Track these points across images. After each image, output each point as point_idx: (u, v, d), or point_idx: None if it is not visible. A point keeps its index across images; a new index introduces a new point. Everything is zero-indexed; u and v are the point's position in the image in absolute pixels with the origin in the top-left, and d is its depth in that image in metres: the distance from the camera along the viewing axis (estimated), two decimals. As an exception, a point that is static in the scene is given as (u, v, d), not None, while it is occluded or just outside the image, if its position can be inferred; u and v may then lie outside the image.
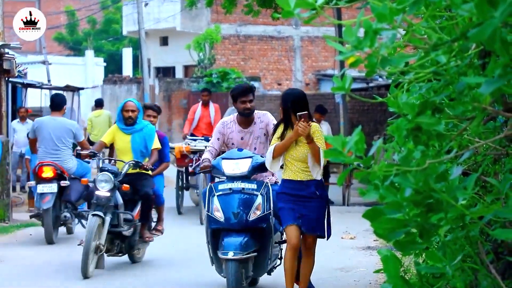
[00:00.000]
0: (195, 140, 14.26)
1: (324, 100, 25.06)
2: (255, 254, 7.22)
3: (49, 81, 24.68)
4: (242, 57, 35.27)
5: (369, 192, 3.12)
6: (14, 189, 17.19)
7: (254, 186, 7.34)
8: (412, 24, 3.15)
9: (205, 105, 15.82)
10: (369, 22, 2.89)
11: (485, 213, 3.16)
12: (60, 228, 11.69)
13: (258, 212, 7.23)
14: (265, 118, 8.00)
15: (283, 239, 7.65)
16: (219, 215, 7.24)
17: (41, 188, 11.12)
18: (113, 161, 9.51)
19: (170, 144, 16.20)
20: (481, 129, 3.87)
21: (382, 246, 10.25)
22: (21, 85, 20.21)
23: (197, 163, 13.52)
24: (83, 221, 11.29)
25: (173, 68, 37.03)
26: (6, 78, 14.77)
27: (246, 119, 7.94)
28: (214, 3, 20.74)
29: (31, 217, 11.87)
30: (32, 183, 11.84)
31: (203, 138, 14.28)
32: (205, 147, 9.27)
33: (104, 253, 8.95)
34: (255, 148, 7.86)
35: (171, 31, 35.89)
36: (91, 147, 10.99)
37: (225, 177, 7.44)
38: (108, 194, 8.87)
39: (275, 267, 7.95)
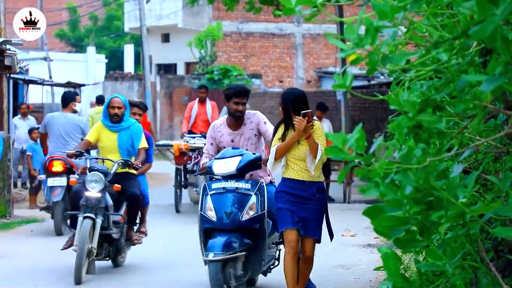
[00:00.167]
0: (193, 137, 14.13)
1: (325, 97, 25.05)
2: (242, 254, 7.04)
3: (50, 77, 24.69)
4: (244, 54, 35.27)
5: (370, 190, 3.12)
6: (15, 186, 17.21)
7: (248, 185, 7.20)
8: (413, 21, 3.15)
9: (202, 102, 15.59)
10: (370, 19, 2.89)
11: (485, 211, 3.16)
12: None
13: (252, 212, 7.10)
14: (255, 118, 7.77)
15: (281, 240, 7.61)
16: (211, 214, 7.11)
17: (51, 181, 11.56)
18: (101, 160, 9.07)
19: (169, 142, 16.20)
20: (482, 127, 3.87)
21: (382, 243, 10.25)
22: (23, 81, 20.22)
23: (195, 161, 13.45)
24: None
25: (175, 65, 37.02)
26: (8, 74, 14.78)
27: (236, 121, 7.74)
28: (216, 0, 20.72)
29: (41, 209, 12.34)
30: (42, 176, 12.06)
31: (201, 135, 14.15)
32: (204, 144, 9.00)
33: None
34: (246, 150, 7.64)
35: (172, 28, 35.88)
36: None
37: (220, 177, 7.30)
38: (99, 195, 8.48)
39: (272, 268, 7.85)
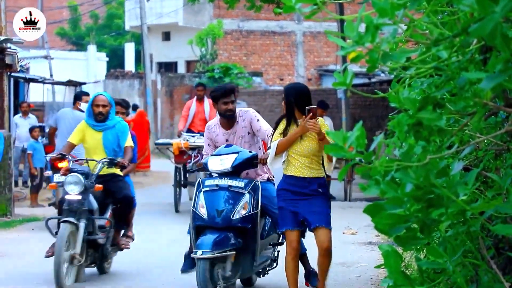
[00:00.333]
0: (193, 136, 13.90)
1: (326, 95, 25.05)
2: (232, 253, 6.89)
3: (51, 76, 24.69)
4: (244, 52, 35.26)
5: (370, 187, 3.12)
6: (16, 184, 17.22)
7: (241, 184, 7.04)
8: (414, 19, 3.15)
9: (200, 100, 15.43)
10: (370, 17, 2.89)
11: (486, 209, 3.16)
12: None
13: (244, 212, 6.94)
14: (247, 115, 7.64)
15: (279, 241, 7.50)
16: (203, 211, 6.97)
17: (58, 177, 11.53)
18: (84, 160, 8.67)
19: (169, 140, 16.03)
20: (482, 124, 3.87)
21: (383, 241, 10.25)
22: (23, 79, 20.21)
23: (195, 160, 13.17)
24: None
25: (175, 63, 37.02)
26: (8, 73, 14.79)
27: (228, 120, 7.62)
28: (216, -2, 20.71)
29: (49, 205, 12.59)
30: (49, 172, 12.10)
31: (199, 134, 13.96)
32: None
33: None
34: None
35: (173, 26, 35.88)
36: None
37: (216, 174, 7.19)
38: (80, 197, 8.00)
39: (269, 270, 7.75)
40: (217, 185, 7.03)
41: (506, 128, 3.40)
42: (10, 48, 14.15)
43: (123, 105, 10.55)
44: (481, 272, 3.81)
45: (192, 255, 6.84)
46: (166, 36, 37.28)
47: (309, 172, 6.78)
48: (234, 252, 6.89)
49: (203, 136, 12.99)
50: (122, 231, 8.89)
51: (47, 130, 20.33)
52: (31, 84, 21.37)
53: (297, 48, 36.00)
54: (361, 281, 8.16)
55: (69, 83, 22.51)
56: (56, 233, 7.93)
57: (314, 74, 36.00)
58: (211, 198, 6.99)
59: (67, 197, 8.03)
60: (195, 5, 27.57)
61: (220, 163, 7.12)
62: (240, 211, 6.93)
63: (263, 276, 7.79)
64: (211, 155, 7.26)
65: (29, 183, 17.51)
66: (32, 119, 18.62)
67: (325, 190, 6.88)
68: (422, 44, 3.31)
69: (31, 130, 17.12)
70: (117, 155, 8.57)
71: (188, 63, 36.37)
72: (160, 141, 16.38)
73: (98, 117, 8.58)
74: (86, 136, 8.61)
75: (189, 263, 7.35)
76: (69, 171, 8.22)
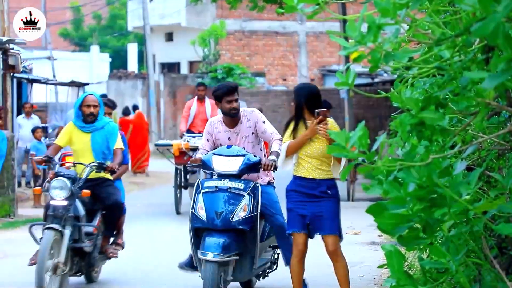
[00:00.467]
0: (194, 137, 13.67)
1: (329, 95, 25.04)
2: (236, 258, 6.80)
3: (54, 76, 24.72)
4: (247, 52, 35.27)
5: (373, 187, 3.12)
6: (19, 185, 17.23)
7: (241, 185, 6.89)
8: (416, 19, 3.15)
9: (201, 100, 15.10)
10: (372, 17, 2.89)
11: (489, 208, 3.16)
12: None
13: (243, 214, 6.80)
14: (252, 116, 7.46)
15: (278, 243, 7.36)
16: (202, 213, 6.82)
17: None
18: (71, 164, 8.11)
19: (169, 141, 15.85)
20: (485, 124, 3.87)
21: (386, 241, 10.24)
22: (27, 80, 20.24)
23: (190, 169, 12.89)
24: None
25: (178, 64, 37.03)
26: (11, 74, 14.79)
27: (232, 119, 7.43)
28: (219, -1, 20.73)
29: None
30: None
31: (201, 135, 13.75)
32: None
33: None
34: (243, 148, 7.30)
35: (176, 27, 35.90)
36: None
37: (214, 174, 7.06)
38: (65, 203, 7.51)
39: (269, 272, 7.65)
40: (216, 187, 6.88)
41: (509, 128, 3.40)
42: (13, 49, 14.17)
43: (110, 106, 10.38)
44: (484, 272, 3.81)
45: (201, 256, 6.69)
46: (169, 37, 37.30)
47: (318, 174, 6.71)
48: (238, 257, 6.81)
49: None
50: (112, 239, 8.42)
51: (50, 130, 20.38)
52: (34, 84, 21.39)
53: (300, 48, 36.01)
54: (364, 281, 8.15)
55: (72, 83, 22.53)
56: (41, 239, 7.59)
57: (317, 74, 36.00)
58: (210, 199, 6.85)
59: (52, 202, 7.57)
60: (197, 5, 27.60)
61: (227, 164, 6.97)
62: (240, 213, 6.80)
63: (263, 278, 7.70)
64: (214, 154, 7.09)
65: (32, 184, 17.53)
66: (35, 120, 18.64)
67: (335, 192, 6.76)
68: (424, 44, 3.31)
69: (34, 130, 17.13)
70: (106, 157, 8.11)
71: (191, 64, 36.39)
72: (161, 142, 16.22)
73: (89, 118, 8.10)
74: (74, 138, 8.15)
75: (189, 262, 7.29)
76: (55, 175, 7.77)
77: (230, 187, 6.86)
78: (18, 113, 18.42)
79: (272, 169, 6.98)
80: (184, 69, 36.47)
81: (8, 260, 9.77)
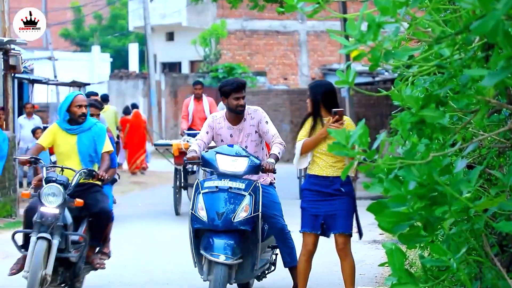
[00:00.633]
0: (194, 136, 13.61)
1: (330, 94, 25.03)
2: (241, 260, 6.68)
3: (55, 77, 24.72)
4: (248, 52, 35.27)
5: (374, 186, 3.13)
6: (21, 185, 17.24)
7: (242, 185, 6.74)
8: (416, 17, 3.15)
9: (198, 99, 14.71)
10: (372, 15, 2.90)
11: (489, 206, 3.17)
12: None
13: (245, 214, 6.66)
14: (256, 114, 7.35)
15: (277, 244, 7.30)
16: (203, 214, 6.68)
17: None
18: (60, 169, 7.45)
19: (168, 141, 15.67)
20: (485, 122, 3.88)
21: (388, 239, 10.25)
22: (28, 81, 20.25)
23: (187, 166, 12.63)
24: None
25: (179, 64, 37.04)
26: (12, 74, 14.81)
27: (236, 116, 7.31)
28: (220, -2, 20.74)
29: None
30: None
31: None
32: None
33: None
34: (246, 147, 7.21)
35: (177, 27, 35.90)
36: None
37: (214, 173, 6.96)
38: (57, 211, 6.99)
39: (267, 273, 7.56)
40: (216, 187, 6.75)
41: (509, 126, 3.40)
42: (14, 49, 14.19)
43: (98, 107, 10.20)
44: (485, 270, 3.82)
45: (212, 258, 6.54)
46: (170, 37, 37.30)
47: (332, 171, 6.68)
48: (241, 260, 6.71)
49: None
50: (97, 248, 7.82)
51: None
52: (35, 85, 21.40)
53: (300, 47, 36.01)
54: (365, 279, 8.15)
55: (73, 84, 22.53)
56: (23, 247, 7.21)
57: (318, 73, 36.00)
58: (211, 200, 6.71)
59: (42, 209, 6.99)
60: (198, 5, 27.62)
61: (232, 164, 6.85)
62: (241, 214, 6.67)
63: (261, 280, 7.62)
64: (217, 152, 6.93)
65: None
66: (37, 120, 18.65)
67: (349, 189, 6.74)
68: (424, 42, 3.32)
69: (34, 131, 17.13)
70: (93, 161, 7.61)
71: (192, 63, 36.39)
72: (160, 142, 16.06)
73: (81, 119, 7.56)
74: (58, 140, 7.61)
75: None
76: (41, 180, 7.28)
77: (231, 187, 6.73)
78: (20, 114, 18.44)
79: (271, 171, 6.90)
80: (185, 69, 36.48)
81: (10, 260, 9.75)
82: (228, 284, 6.72)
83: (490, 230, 4.44)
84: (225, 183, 6.75)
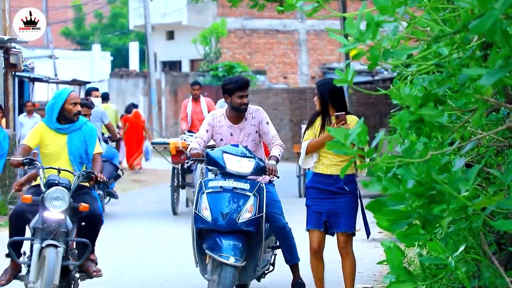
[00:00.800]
0: (192, 135, 12.97)
1: (330, 93, 25.04)
2: (245, 262, 6.61)
3: (56, 75, 24.76)
4: (248, 50, 35.28)
5: (372, 184, 3.14)
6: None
7: (246, 186, 6.67)
8: (414, 16, 3.17)
9: (196, 100, 14.39)
10: (371, 14, 2.91)
11: (487, 205, 3.18)
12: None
13: (249, 215, 6.59)
14: (257, 114, 7.29)
15: (277, 244, 7.29)
16: (207, 214, 6.59)
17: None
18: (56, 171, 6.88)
19: (166, 140, 15.52)
20: (483, 120, 3.89)
21: (386, 237, 10.27)
22: (28, 79, 20.26)
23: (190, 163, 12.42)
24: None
25: (179, 62, 37.05)
26: (13, 72, 14.83)
27: (237, 114, 7.24)
28: (220, -3, 20.75)
29: None
30: None
31: None
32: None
33: None
34: (246, 146, 7.12)
35: (177, 25, 35.91)
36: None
37: (213, 172, 6.91)
38: (62, 216, 6.56)
39: (266, 273, 7.51)
40: (221, 187, 6.67)
41: (508, 124, 3.42)
42: (14, 47, 14.20)
43: (90, 107, 10.09)
44: (483, 268, 3.83)
45: (221, 259, 6.43)
46: (170, 35, 37.31)
47: (336, 170, 6.66)
48: (246, 262, 6.65)
49: None
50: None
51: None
52: (36, 83, 21.42)
53: (300, 46, 36.01)
54: (364, 277, 8.17)
55: (74, 82, 22.55)
56: (20, 256, 6.75)
57: (318, 72, 36.01)
58: (215, 200, 6.63)
59: (46, 214, 6.53)
60: (198, 4, 27.61)
61: (240, 165, 6.78)
62: (245, 214, 6.59)
63: (259, 281, 7.56)
64: (224, 152, 6.86)
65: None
66: (37, 119, 18.63)
67: (352, 188, 6.73)
68: (423, 41, 3.33)
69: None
70: (83, 162, 7.14)
71: (192, 62, 36.40)
72: (157, 140, 15.89)
73: (76, 118, 7.08)
74: (46, 140, 7.09)
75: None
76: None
77: (235, 187, 6.65)
78: (20, 112, 18.45)
79: (275, 174, 6.87)
80: (186, 68, 36.49)
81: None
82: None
83: (488, 228, 4.46)
84: (230, 183, 6.67)
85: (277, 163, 6.98)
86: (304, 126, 7.18)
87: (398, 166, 3.01)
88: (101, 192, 12.56)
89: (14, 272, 6.87)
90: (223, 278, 6.42)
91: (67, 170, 6.86)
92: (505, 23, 2.66)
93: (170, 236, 11.28)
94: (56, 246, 6.42)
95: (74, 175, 6.81)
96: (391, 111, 4.64)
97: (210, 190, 6.68)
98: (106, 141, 13.16)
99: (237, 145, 7.00)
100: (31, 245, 6.54)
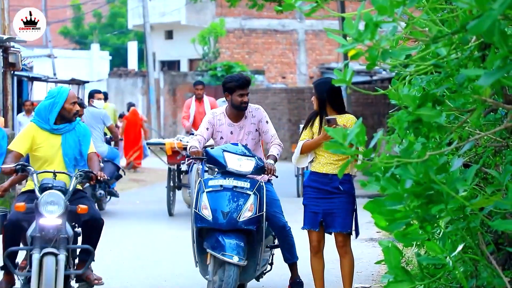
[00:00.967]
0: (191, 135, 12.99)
1: (328, 93, 25.04)
2: (246, 262, 6.56)
3: (54, 74, 24.74)
4: (247, 50, 35.28)
5: (370, 184, 3.15)
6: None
7: (247, 184, 6.64)
8: (413, 16, 3.17)
9: (199, 100, 14.27)
10: (369, 14, 2.92)
11: (485, 205, 3.19)
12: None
13: (249, 213, 6.55)
14: (257, 113, 7.28)
15: (275, 243, 7.28)
16: (207, 213, 6.54)
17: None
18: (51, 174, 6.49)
19: (161, 140, 15.41)
20: (481, 121, 3.90)
21: (384, 237, 10.28)
22: (27, 78, 20.26)
23: (189, 161, 11.79)
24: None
25: (178, 62, 37.04)
26: (12, 72, 14.82)
27: (237, 113, 7.22)
28: (219, -3, 20.75)
29: None
30: None
31: None
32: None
33: None
34: (246, 144, 7.09)
35: (176, 25, 35.91)
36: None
37: (211, 171, 6.86)
38: (59, 221, 6.13)
39: (265, 273, 7.46)
40: (221, 186, 6.63)
41: (505, 125, 3.42)
42: (13, 47, 14.20)
43: (84, 106, 10.05)
44: (481, 268, 3.84)
45: (224, 258, 6.38)
46: (169, 35, 37.30)
47: (332, 169, 6.65)
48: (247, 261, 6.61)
49: None
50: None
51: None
52: (35, 82, 21.41)
53: (299, 46, 36.02)
54: (362, 277, 8.18)
55: (72, 81, 22.55)
56: (16, 267, 6.36)
57: (316, 72, 36.01)
58: (215, 199, 6.59)
59: (42, 221, 6.11)
60: (197, 3, 27.59)
61: (241, 164, 6.75)
62: (246, 213, 6.55)
63: (258, 280, 7.52)
64: (224, 150, 6.82)
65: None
66: (35, 118, 18.66)
67: (348, 187, 6.71)
68: (421, 42, 3.34)
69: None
70: (77, 164, 6.75)
71: (191, 62, 36.40)
72: (152, 141, 15.72)
73: (74, 118, 6.76)
74: (38, 143, 6.67)
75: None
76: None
77: (235, 186, 6.63)
78: (19, 111, 18.44)
79: (273, 174, 6.86)
80: (184, 67, 36.49)
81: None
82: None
83: (486, 228, 4.47)
84: (230, 182, 6.65)
85: (275, 162, 6.98)
86: (302, 126, 7.17)
87: (396, 166, 3.02)
88: (102, 192, 12.81)
89: (8, 286, 6.51)
90: (226, 277, 6.37)
91: (63, 172, 6.49)
92: (503, 23, 2.67)
93: (169, 236, 11.27)
94: (55, 254, 6.03)
95: (71, 177, 6.42)
96: (390, 111, 4.64)
97: (210, 189, 6.64)
98: (108, 142, 13.35)
99: (236, 144, 6.98)
100: (30, 256, 6.12)
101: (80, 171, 6.47)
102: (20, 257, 6.62)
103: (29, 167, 6.42)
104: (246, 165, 6.75)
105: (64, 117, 6.69)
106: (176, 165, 13.20)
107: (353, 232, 6.82)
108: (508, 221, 3.26)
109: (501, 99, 3.40)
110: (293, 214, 9.32)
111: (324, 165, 6.68)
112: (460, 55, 3.14)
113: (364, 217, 11.19)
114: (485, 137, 4.14)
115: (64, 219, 6.18)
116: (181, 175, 13.48)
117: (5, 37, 13.70)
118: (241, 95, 7.13)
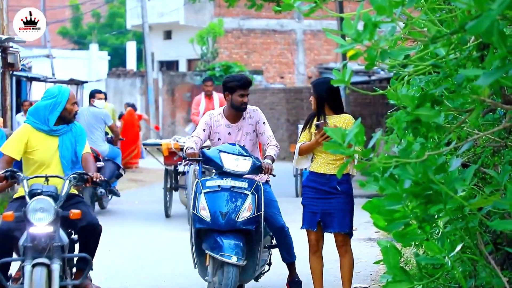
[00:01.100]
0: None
1: (327, 93, 25.03)
2: (245, 262, 6.53)
3: (53, 74, 24.73)
4: (245, 50, 35.28)
5: (369, 184, 3.15)
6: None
7: (245, 184, 6.62)
8: (412, 17, 3.18)
9: (209, 96, 14.32)
10: (368, 15, 2.92)
11: (484, 205, 3.19)
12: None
13: (248, 214, 6.53)
14: (255, 114, 7.26)
15: (273, 243, 7.28)
16: (205, 214, 6.51)
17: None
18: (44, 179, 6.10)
19: (158, 141, 15.27)
20: (480, 121, 3.90)
21: (383, 237, 10.28)
22: (26, 78, 20.25)
23: (186, 162, 11.90)
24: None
25: (177, 62, 37.04)
26: (11, 72, 14.81)
27: (236, 113, 7.19)
28: (217, -3, 20.76)
29: None
30: None
31: None
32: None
33: None
34: (244, 145, 7.06)
35: (174, 25, 35.90)
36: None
37: (214, 171, 6.85)
38: (51, 229, 5.73)
39: (263, 273, 7.45)
40: (219, 186, 6.61)
41: (504, 125, 3.43)
42: (12, 47, 14.19)
43: (78, 105, 10.11)
44: (480, 268, 3.84)
45: (223, 258, 6.35)
46: (167, 35, 37.30)
47: (330, 169, 6.64)
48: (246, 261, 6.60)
49: None
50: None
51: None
52: (33, 83, 21.40)
53: (297, 46, 36.02)
54: (360, 277, 8.18)
55: (71, 81, 22.54)
56: (8, 279, 6.07)
57: (315, 72, 36.02)
58: (213, 199, 6.56)
59: (32, 230, 5.72)
60: (196, 4, 27.59)
61: (237, 164, 6.73)
62: (244, 213, 6.53)
63: (256, 281, 7.50)
64: (220, 151, 6.79)
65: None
66: (34, 118, 18.65)
67: (346, 187, 6.70)
68: (420, 42, 3.35)
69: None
70: (73, 167, 6.49)
71: (189, 62, 36.39)
72: (149, 141, 15.54)
73: (74, 118, 6.53)
74: (34, 145, 6.36)
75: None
76: (27, 194, 5.92)
77: (233, 186, 6.60)
78: (17, 111, 18.44)
79: (271, 173, 6.86)
80: (183, 67, 36.48)
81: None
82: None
83: (484, 228, 4.47)
84: (227, 182, 6.63)
85: (272, 163, 6.97)
86: (301, 126, 7.17)
87: (395, 166, 3.03)
88: (103, 190, 12.90)
89: None
90: (225, 278, 6.34)
91: (56, 176, 6.11)
92: (502, 24, 2.67)
93: (169, 236, 11.27)
94: (46, 265, 5.67)
95: (65, 179, 6.01)
96: (388, 111, 4.64)
97: (208, 190, 6.62)
98: (109, 141, 13.47)
99: (233, 144, 6.96)
100: (22, 267, 5.76)
101: (73, 173, 6.09)
102: (14, 268, 6.34)
103: (18, 173, 6.06)
104: (242, 165, 6.73)
105: (64, 118, 6.43)
106: (173, 166, 13.09)
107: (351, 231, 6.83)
108: (507, 221, 3.26)
109: (499, 99, 3.41)
110: (292, 214, 9.32)
111: (321, 165, 6.68)
112: (459, 55, 3.14)
113: (362, 217, 11.21)
114: (483, 137, 4.14)
115: (56, 226, 5.80)
116: (178, 176, 13.36)
117: (4, 37, 13.70)
118: (241, 95, 7.11)
